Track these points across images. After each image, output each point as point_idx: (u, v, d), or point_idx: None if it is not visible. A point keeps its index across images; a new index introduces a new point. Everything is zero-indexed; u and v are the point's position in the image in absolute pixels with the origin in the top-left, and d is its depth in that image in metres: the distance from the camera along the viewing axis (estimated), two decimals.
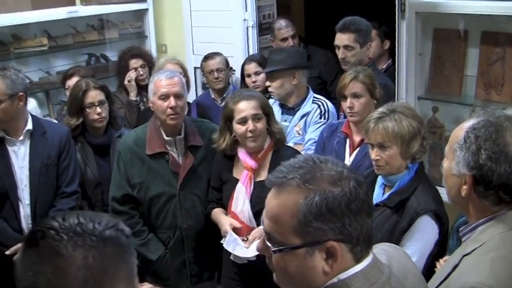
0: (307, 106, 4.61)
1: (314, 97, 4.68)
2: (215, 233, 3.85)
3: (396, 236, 3.13)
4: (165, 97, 3.84)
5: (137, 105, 5.47)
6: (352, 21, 4.61)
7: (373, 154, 3.22)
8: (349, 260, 1.60)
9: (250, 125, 3.68)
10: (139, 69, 5.63)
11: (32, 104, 4.70)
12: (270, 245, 1.63)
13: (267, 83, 4.66)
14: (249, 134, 3.69)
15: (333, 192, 1.56)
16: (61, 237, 1.36)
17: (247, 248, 3.65)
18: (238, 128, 3.71)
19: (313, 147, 4.26)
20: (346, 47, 4.57)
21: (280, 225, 1.60)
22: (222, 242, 3.74)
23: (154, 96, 3.88)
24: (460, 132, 2.11)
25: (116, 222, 1.46)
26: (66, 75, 5.23)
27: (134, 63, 5.66)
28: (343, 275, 1.59)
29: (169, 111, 3.82)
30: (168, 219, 3.97)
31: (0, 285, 3.95)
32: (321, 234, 1.56)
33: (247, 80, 5.32)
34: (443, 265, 2.33)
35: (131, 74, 5.57)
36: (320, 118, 4.53)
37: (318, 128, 4.46)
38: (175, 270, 4.03)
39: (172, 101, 3.82)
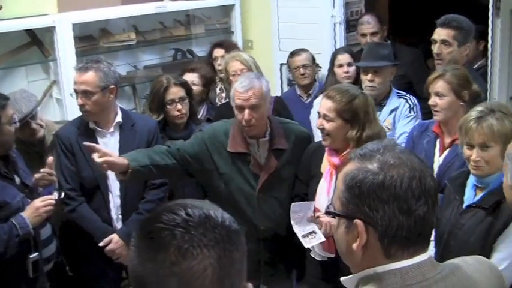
0: (394, 101, 4.58)
1: (398, 92, 4.64)
2: (293, 233, 3.75)
3: (491, 239, 3.01)
4: (240, 109, 3.77)
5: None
6: (454, 17, 4.47)
7: (474, 155, 3.09)
8: (377, 249, 1.64)
9: (318, 122, 3.66)
10: (219, 59, 5.55)
11: None
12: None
13: (369, 77, 4.53)
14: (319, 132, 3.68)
15: (370, 172, 1.63)
16: (192, 234, 1.30)
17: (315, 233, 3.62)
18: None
19: (406, 141, 4.20)
20: (443, 41, 4.42)
21: (336, 191, 1.74)
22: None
23: (233, 103, 3.83)
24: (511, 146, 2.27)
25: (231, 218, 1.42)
26: (187, 70, 5.23)
27: (216, 52, 5.66)
28: (379, 269, 1.64)
29: (244, 123, 3.75)
30: (244, 218, 3.82)
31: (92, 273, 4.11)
32: (352, 210, 1.65)
33: (338, 70, 5.24)
34: None
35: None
36: (410, 112, 4.51)
37: (409, 121, 4.45)
38: (249, 269, 3.94)
39: (246, 114, 3.73)
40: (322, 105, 3.66)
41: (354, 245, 1.65)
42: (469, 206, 3.14)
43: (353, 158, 1.71)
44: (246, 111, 3.73)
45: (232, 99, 3.84)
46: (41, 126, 4.31)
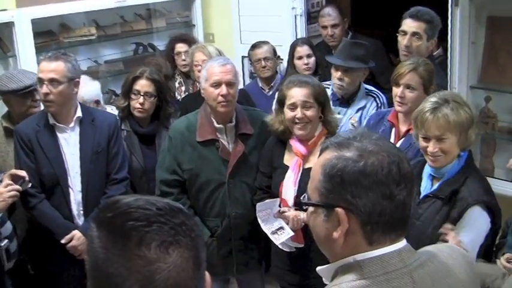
0: (362, 100, 4.52)
1: (366, 89, 4.58)
2: None
3: None
4: (217, 84, 3.81)
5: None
6: (426, 11, 4.34)
7: (431, 147, 3.09)
8: (359, 236, 1.64)
9: (298, 112, 3.65)
10: (183, 54, 5.60)
11: (95, 86, 4.83)
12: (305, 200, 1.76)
13: (338, 75, 4.44)
14: (297, 121, 3.66)
15: (350, 160, 1.62)
16: (170, 227, 1.27)
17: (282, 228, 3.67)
18: (287, 113, 3.69)
19: None
20: (414, 34, 4.26)
21: (312, 182, 1.72)
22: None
23: (206, 83, 3.86)
24: None
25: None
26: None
27: (180, 47, 5.66)
28: (358, 257, 1.63)
29: (220, 98, 3.80)
30: (216, 207, 3.96)
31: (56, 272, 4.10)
32: (333, 199, 1.64)
33: (298, 62, 5.26)
34: None
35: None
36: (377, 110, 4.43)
37: None
38: (222, 258, 4.02)
39: (223, 89, 3.79)
40: (296, 95, 3.67)
41: (335, 234, 1.64)
42: (426, 196, 3.16)
43: (329, 147, 1.70)
44: (224, 86, 3.80)
45: (205, 79, 3.89)
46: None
